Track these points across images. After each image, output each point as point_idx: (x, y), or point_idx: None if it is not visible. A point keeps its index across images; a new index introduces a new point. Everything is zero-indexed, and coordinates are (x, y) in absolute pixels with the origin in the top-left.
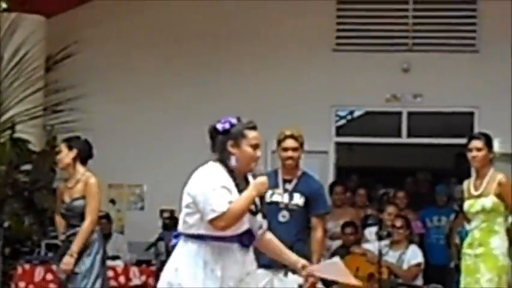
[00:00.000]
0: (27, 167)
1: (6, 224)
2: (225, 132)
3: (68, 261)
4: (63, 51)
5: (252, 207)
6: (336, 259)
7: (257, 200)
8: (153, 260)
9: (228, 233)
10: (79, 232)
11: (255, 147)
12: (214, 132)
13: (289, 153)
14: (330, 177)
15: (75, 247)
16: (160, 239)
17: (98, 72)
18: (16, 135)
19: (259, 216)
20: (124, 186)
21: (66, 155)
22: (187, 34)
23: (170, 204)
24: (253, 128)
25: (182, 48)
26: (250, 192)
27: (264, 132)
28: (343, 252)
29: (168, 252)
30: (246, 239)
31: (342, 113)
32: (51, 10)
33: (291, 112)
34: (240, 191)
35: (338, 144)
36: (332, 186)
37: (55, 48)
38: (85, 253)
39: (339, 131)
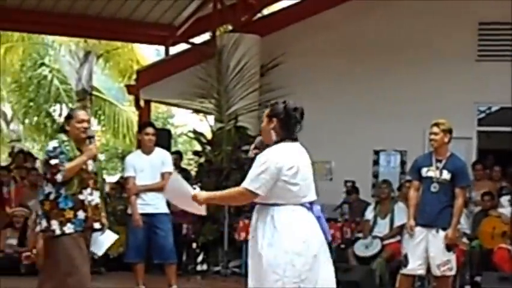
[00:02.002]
0: (247, 147)
1: None
2: None
3: None
4: (273, 61)
5: None
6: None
7: None
8: (339, 218)
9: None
10: None
11: None
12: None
13: (432, 136)
14: (473, 158)
15: None
16: (344, 202)
17: (299, 76)
18: (239, 124)
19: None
20: (317, 162)
21: None
22: (363, 46)
23: (351, 176)
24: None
25: (360, 57)
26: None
27: (423, 123)
28: (482, 215)
29: (351, 212)
30: None
31: (482, 108)
32: (264, 31)
33: (443, 107)
34: None
35: (479, 132)
36: (474, 164)
37: (267, 59)
38: None
39: (480, 122)
